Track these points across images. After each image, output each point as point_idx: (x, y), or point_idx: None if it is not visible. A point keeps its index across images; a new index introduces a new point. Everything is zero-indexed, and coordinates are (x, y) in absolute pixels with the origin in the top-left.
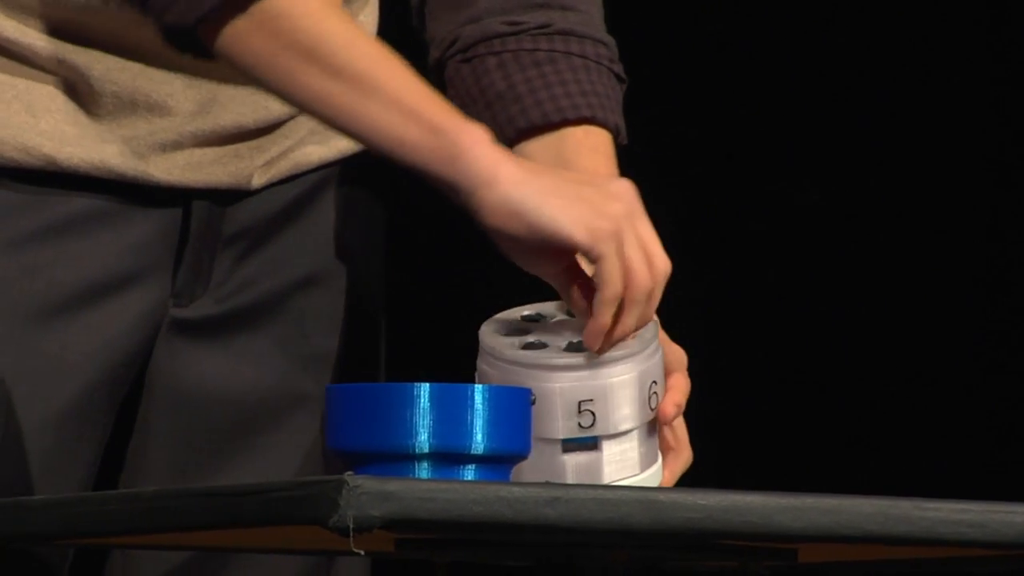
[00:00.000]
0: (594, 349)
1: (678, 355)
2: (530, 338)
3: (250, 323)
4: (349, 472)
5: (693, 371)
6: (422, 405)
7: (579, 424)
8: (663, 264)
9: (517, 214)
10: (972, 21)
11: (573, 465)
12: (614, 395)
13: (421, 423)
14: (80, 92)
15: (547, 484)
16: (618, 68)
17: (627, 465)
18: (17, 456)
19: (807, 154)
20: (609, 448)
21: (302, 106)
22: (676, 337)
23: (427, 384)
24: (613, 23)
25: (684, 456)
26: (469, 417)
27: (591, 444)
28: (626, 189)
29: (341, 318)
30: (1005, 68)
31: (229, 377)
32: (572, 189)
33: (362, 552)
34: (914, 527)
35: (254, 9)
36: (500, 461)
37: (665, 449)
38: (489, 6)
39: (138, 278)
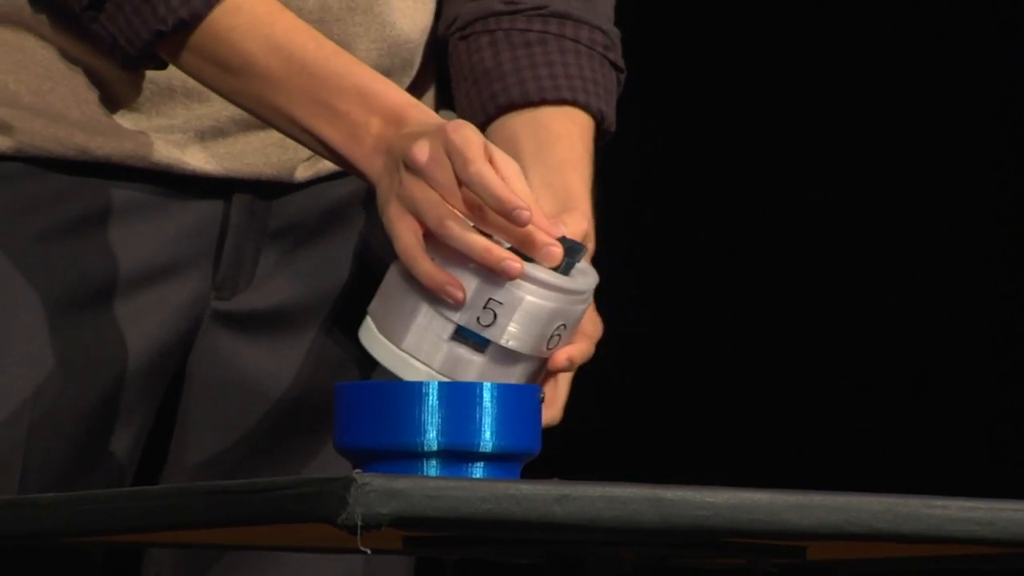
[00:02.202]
0: (488, 263)
1: (595, 325)
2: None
3: (294, 320)
4: (358, 470)
5: (701, 370)
6: (431, 403)
7: (478, 319)
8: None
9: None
10: (975, 20)
11: (451, 354)
12: (522, 311)
13: (430, 421)
14: (115, 80)
15: (556, 482)
16: (614, 56)
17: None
18: (49, 446)
19: (809, 153)
20: (492, 357)
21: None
22: (681, 335)
23: (436, 382)
24: (616, 23)
25: (551, 413)
26: (478, 415)
27: (479, 346)
28: (419, 147)
29: None
30: (1007, 68)
31: (270, 373)
32: (387, 179)
33: (369, 551)
34: (923, 525)
35: (193, 30)
36: (509, 459)
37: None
38: None
39: (176, 270)
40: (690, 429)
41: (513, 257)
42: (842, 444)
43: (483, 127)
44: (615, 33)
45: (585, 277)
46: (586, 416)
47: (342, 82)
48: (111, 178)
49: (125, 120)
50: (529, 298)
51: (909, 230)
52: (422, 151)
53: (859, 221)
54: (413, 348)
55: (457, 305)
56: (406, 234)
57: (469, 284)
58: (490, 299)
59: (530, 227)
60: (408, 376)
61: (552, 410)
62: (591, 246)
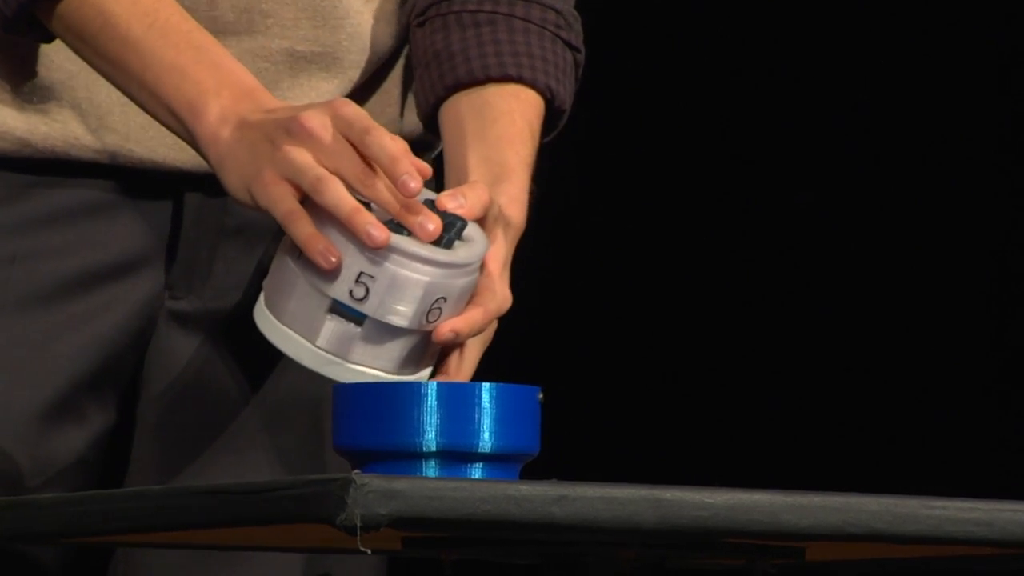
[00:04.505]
0: (370, 240)
1: (495, 296)
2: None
3: (249, 319)
4: (356, 470)
5: (700, 370)
6: (429, 403)
7: (352, 292)
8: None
9: (232, 195)
10: (972, 20)
11: (331, 329)
12: (394, 285)
13: (428, 421)
14: (52, 67)
15: (555, 483)
16: (567, 35)
17: (381, 359)
18: (1, 447)
19: (809, 153)
20: (368, 332)
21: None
22: (680, 335)
23: (434, 382)
24: (612, 23)
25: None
26: (476, 415)
27: (356, 319)
28: (306, 119)
29: None
30: (1005, 68)
31: (228, 372)
32: (253, 147)
33: (369, 551)
34: (921, 525)
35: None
36: (507, 459)
37: (442, 372)
38: None
39: (129, 270)
40: (689, 429)
41: (379, 226)
42: (841, 444)
43: (434, 108)
44: (571, 13)
45: (469, 249)
46: (585, 416)
47: (199, 54)
48: (60, 176)
49: (65, 110)
50: (401, 271)
51: (909, 230)
52: (312, 118)
53: (859, 221)
54: (292, 322)
55: (331, 276)
56: (286, 198)
57: (343, 257)
58: (361, 272)
59: (411, 201)
60: (292, 353)
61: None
62: (517, 215)
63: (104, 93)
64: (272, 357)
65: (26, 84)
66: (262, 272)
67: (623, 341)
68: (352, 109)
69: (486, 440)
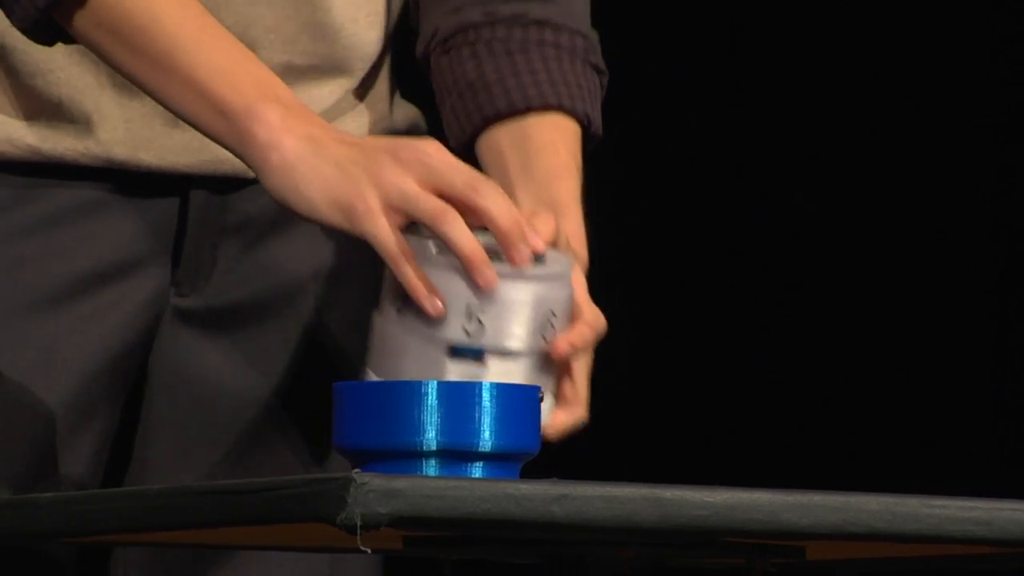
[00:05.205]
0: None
1: (594, 314)
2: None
3: (256, 315)
4: (357, 470)
5: (700, 370)
6: (430, 402)
7: (466, 330)
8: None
9: (284, 200)
10: (969, 21)
11: (457, 373)
12: (505, 308)
13: (429, 420)
14: (63, 78)
15: (555, 482)
16: (596, 59)
17: None
18: (13, 450)
19: (808, 153)
20: (494, 365)
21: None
22: (680, 335)
23: (435, 381)
24: (609, 23)
25: (576, 412)
26: (477, 414)
27: (477, 356)
28: (414, 148)
29: (352, 315)
30: (1004, 70)
31: (232, 369)
32: (342, 165)
33: (369, 550)
34: (921, 524)
35: None
36: (508, 458)
37: (562, 400)
38: None
39: (135, 268)
40: (689, 429)
41: (491, 264)
42: (841, 444)
43: (471, 139)
44: (594, 36)
45: (559, 262)
46: None
47: (250, 62)
48: (67, 179)
49: (76, 120)
50: (509, 293)
51: (909, 229)
52: (434, 147)
53: (859, 221)
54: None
55: (441, 319)
56: (394, 233)
57: (445, 295)
58: (469, 305)
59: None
60: None
61: (577, 408)
62: (580, 249)
63: (111, 108)
64: (274, 354)
65: (35, 99)
66: (263, 268)
67: (622, 341)
68: (452, 158)
69: (486, 439)
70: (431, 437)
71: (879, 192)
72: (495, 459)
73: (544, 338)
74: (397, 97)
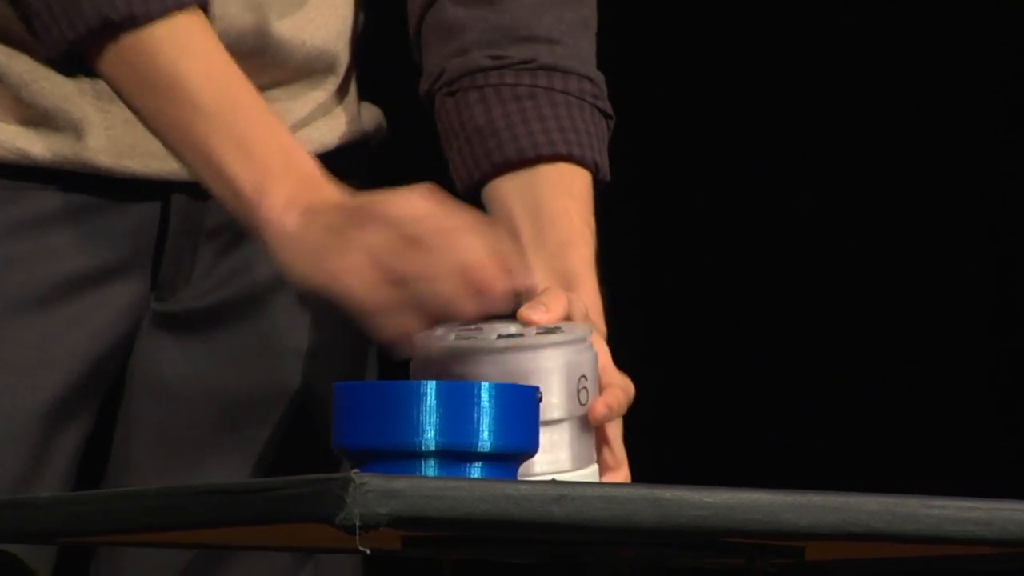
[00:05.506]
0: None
1: (623, 379)
2: (463, 332)
3: (233, 317)
4: (355, 470)
5: (699, 370)
6: (428, 403)
7: None
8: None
9: (285, 273)
10: (969, 21)
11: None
12: (541, 379)
13: (427, 421)
14: (52, 85)
15: (553, 482)
16: (603, 104)
17: (558, 459)
18: (2, 450)
19: (808, 153)
20: (541, 440)
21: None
22: (679, 335)
23: (434, 381)
24: (607, 23)
25: (621, 476)
26: (476, 415)
27: None
28: (410, 215)
29: (329, 312)
30: (1004, 69)
31: (212, 371)
32: (329, 233)
33: (368, 551)
34: (921, 525)
35: (120, 38)
36: (507, 459)
37: (603, 467)
38: (476, 39)
39: (118, 272)
40: (688, 429)
41: (499, 275)
42: (841, 444)
43: (478, 185)
44: (601, 79)
45: (573, 326)
46: None
47: (268, 136)
48: (53, 182)
49: (63, 128)
50: (536, 363)
51: (909, 229)
52: (414, 198)
53: (859, 220)
54: None
55: None
56: (395, 325)
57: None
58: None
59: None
60: None
61: (620, 474)
62: (597, 319)
63: (99, 116)
64: (255, 355)
65: (21, 108)
66: (238, 271)
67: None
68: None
69: (485, 439)
70: (430, 437)
71: (879, 192)
72: (494, 459)
73: (580, 402)
74: (363, 100)
